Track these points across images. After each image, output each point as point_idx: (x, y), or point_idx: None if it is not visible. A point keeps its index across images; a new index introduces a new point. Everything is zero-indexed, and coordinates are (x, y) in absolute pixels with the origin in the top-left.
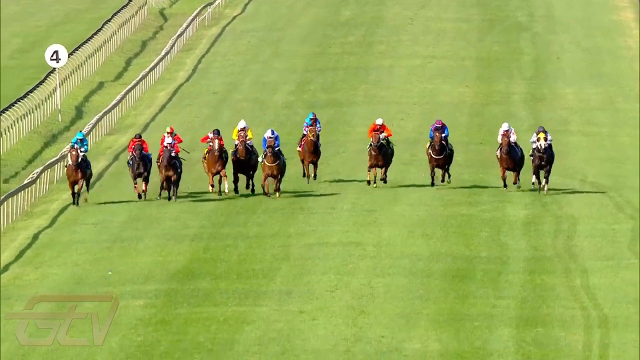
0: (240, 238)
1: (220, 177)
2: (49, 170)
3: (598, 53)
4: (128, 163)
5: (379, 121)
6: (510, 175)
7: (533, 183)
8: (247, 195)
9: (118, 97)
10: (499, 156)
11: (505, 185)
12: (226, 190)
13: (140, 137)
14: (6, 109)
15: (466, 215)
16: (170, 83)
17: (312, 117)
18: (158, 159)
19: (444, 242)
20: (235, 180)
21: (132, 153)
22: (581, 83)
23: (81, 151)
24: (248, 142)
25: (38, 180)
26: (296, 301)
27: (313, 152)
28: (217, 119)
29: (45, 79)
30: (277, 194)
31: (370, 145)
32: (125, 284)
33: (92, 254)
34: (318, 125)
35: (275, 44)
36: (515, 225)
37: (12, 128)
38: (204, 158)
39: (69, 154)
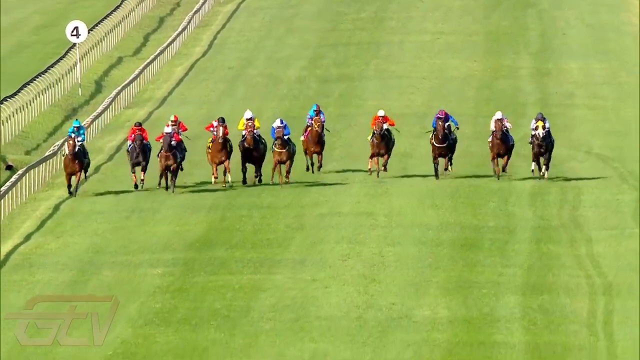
0: (255, 208)
1: (224, 168)
2: None
3: (602, 29)
4: (127, 151)
5: (381, 112)
6: (499, 163)
7: (532, 170)
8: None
9: (136, 72)
10: (490, 142)
11: (495, 174)
12: (229, 181)
13: (140, 125)
14: (28, 83)
15: (474, 186)
16: (187, 58)
17: (315, 109)
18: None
19: (452, 212)
20: (244, 171)
21: (132, 142)
22: (586, 58)
23: (78, 140)
24: (255, 131)
25: (59, 152)
26: (309, 269)
27: (317, 142)
28: (232, 93)
29: (65, 54)
30: (287, 177)
31: (373, 134)
32: (143, 253)
33: (111, 224)
34: (322, 116)
35: (288, 21)
36: (522, 196)
37: (33, 102)
38: (208, 148)
39: (66, 144)
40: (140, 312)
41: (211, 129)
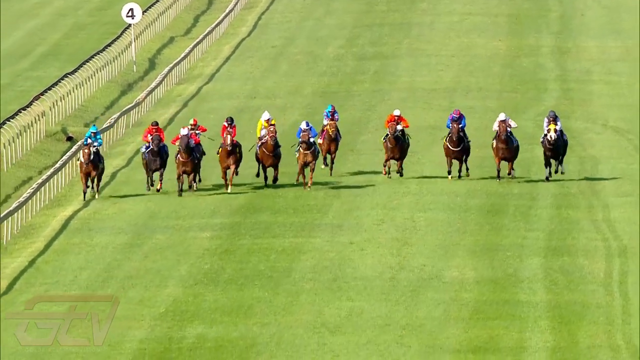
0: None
1: (230, 174)
2: (125, 115)
3: (618, 10)
4: (143, 155)
5: (397, 112)
6: (504, 167)
7: (547, 177)
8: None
9: (187, 50)
10: (494, 146)
11: (499, 177)
12: (229, 189)
13: (157, 124)
14: (86, 61)
15: None
16: (234, 37)
17: (330, 110)
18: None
19: (479, 180)
20: (265, 174)
21: (150, 144)
22: (603, 37)
23: (94, 146)
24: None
25: (115, 124)
26: (346, 233)
27: (331, 141)
28: (275, 70)
29: (121, 34)
30: (311, 179)
31: (387, 136)
32: (193, 218)
33: (163, 191)
34: (337, 116)
35: (327, 3)
36: (543, 165)
37: (92, 78)
38: (218, 153)
39: (81, 152)
40: (190, 273)
41: (224, 133)
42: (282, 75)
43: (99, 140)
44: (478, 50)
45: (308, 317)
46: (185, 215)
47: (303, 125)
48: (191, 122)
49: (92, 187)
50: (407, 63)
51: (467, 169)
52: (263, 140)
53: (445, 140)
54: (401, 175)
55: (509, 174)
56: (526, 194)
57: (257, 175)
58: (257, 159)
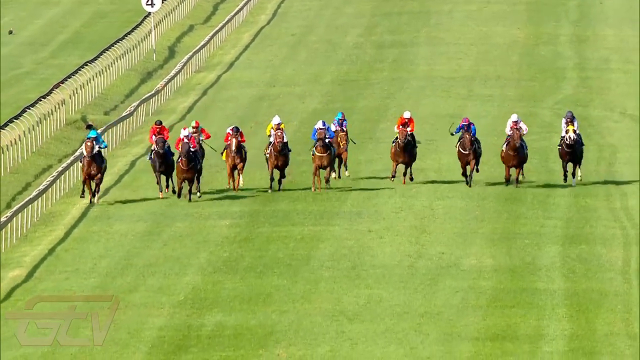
0: None
1: (238, 172)
2: (144, 104)
3: None
4: (150, 158)
5: (407, 114)
6: (513, 171)
7: (564, 178)
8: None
9: (206, 38)
10: (504, 152)
11: (508, 182)
12: (241, 182)
13: (161, 123)
14: (106, 49)
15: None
16: (253, 26)
17: (340, 118)
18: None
19: (497, 168)
20: (271, 177)
21: (155, 147)
22: (621, 26)
23: (98, 147)
24: (285, 138)
25: (135, 113)
26: (365, 221)
27: (340, 148)
28: (295, 58)
29: (141, 22)
30: (327, 182)
31: (397, 139)
32: (212, 206)
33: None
34: (345, 124)
35: None
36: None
37: (112, 66)
38: (222, 154)
39: (83, 145)
40: (210, 261)
41: (229, 138)
42: (301, 63)
43: (104, 144)
44: (496, 39)
45: (326, 305)
46: (204, 203)
47: (319, 125)
48: (193, 124)
49: (92, 196)
50: (425, 51)
51: (478, 170)
52: (270, 145)
53: (457, 145)
54: (412, 179)
55: (517, 180)
56: (544, 182)
57: (271, 186)
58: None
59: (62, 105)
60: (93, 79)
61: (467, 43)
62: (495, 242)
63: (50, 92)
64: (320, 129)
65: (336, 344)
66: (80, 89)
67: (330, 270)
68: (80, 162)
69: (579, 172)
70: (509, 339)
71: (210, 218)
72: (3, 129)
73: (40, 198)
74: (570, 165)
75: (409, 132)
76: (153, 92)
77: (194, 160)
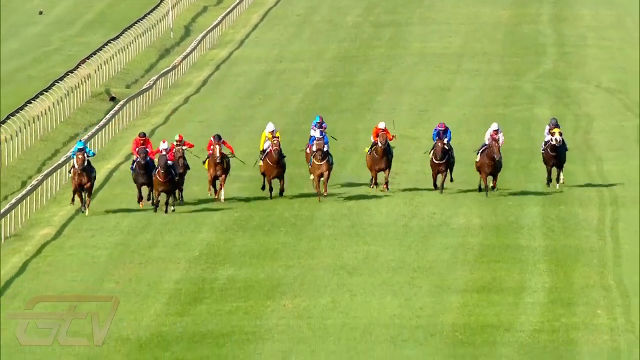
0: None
1: (220, 183)
2: (162, 78)
3: None
4: (131, 169)
5: (382, 125)
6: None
7: (548, 181)
8: (318, 100)
9: (219, 18)
10: (479, 161)
11: (483, 189)
12: (222, 199)
13: (144, 135)
14: (128, 28)
15: (502, 115)
16: (262, 7)
17: (318, 121)
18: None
19: (483, 136)
20: (270, 185)
21: (137, 158)
22: (597, 6)
23: (87, 156)
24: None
25: (154, 86)
26: (363, 184)
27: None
28: (300, 36)
29: (160, 3)
30: (325, 190)
31: (373, 146)
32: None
33: (198, 146)
34: (324, 125)
35: None
36: (543, 123)
37: (133, 43)
38: (204, 163)
39: (74, 158)
40: (222, 220)
41: (210, 148)
42: (305, 41)
43: (91, 152)
44: (483, 19)
45: (328, 260)
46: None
47: (317, 134)
48: (176, 137)
49: (82, 206)
50: (419, 30)
51: (451, 180)
52: (266, 152)
53: (430, 153)
54: (387, 188)
55: (493, 188)
56: (526, 149)
57: (263, 188)
58: (262, 173)
59: (88, 79)
60: (116, 55)
61: (457, 22)
62: (482, 203)
63: (76, 67)
64: (318, 139)
65: (337, 296)
66: (104, 65)
67: (332, 229)
68: (70, 172)
69: (561, 175)
70: (495, 291)
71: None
72: (34, 101)
73: (68, 163)
74: (554, 171)
75: (387, 138)
76: (170, 67)
77: (171, 173)
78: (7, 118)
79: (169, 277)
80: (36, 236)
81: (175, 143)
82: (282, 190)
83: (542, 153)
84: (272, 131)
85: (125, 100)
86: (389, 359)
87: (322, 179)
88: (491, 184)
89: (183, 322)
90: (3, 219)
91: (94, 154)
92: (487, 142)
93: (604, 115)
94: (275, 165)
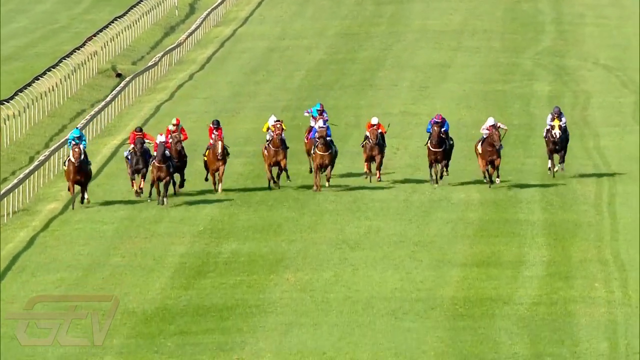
0: None
1: (219, 175)
2: (168, 55)
3: None
4: (126, 158)
5: (374, 120)
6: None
7: (549, 168)
8: (320, 76)
9: None
10: (481, 150)
11: (490, 180)
12: (219, 190)
13: (141, 130)
14: (134, 6)
15: (502, 91)
16: None
17: (319, 109)
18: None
19: (483, 112)
20: (270, 173)
21: (133, 147)
22: None
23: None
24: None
25: (159, 63)
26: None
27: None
28: (302, 14)
29: None
30: (327, 183)
31: (366, 138)
32: (229, 146)
33: (202, 122)
34: (325, 115)
35: None
36: (541, 99)
37: (139, 21)
38: (204, 155)
39: (71, 150)
40: (226, 194)
41: (213, 135)
42: (308, 18)
43: (84, 143)
44: None
45: (330, 234)
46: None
47: (320, 124)
48: (173, 121)
49: (80, 198)
50: (419, 7)
51: (447, 171)
52: (269, 139)
53: (427, 142)
54: (379, 178)
55: (497, 178)
56: (525, 124)
57: (269, 187)
58: (267, 165)
59: (94, 56)
60: (122, 33)
61: (457, 0)
62: (481, 179)
63: (83, 45)
64: (321, 127)
65: (339, 270)
66: (111, 42)
67: (334, 204)
68: (64, 165)
69: (561, 165)
70: (494, 265)
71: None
72: (42, 77)
73: (60, 153)
74: (556, 157)
75: (380, 132)
76: (175, 44)
77: (168, 161)
78: (15, 94)
79: (174, 251)
80: (43, 211)
81: (172, 127)
82: (279, 176)
83: (544, 138)
84: (276, 121)
85: (131, 76)
86: (390, 331)
87: (324, 169)
88: (496, 177)
89: (188, 296)
90: (11, 194)
91: (85, 145)
92: (485, 134)
93: (602, 91)
94: (278, 149)
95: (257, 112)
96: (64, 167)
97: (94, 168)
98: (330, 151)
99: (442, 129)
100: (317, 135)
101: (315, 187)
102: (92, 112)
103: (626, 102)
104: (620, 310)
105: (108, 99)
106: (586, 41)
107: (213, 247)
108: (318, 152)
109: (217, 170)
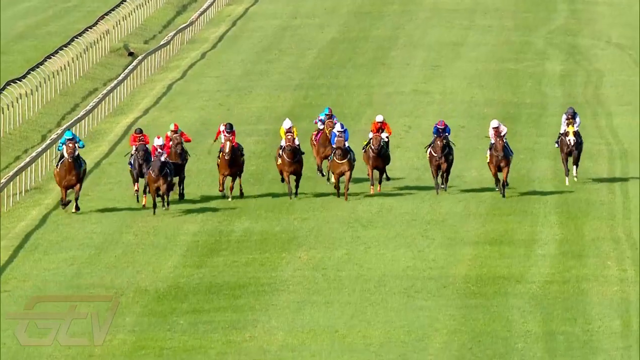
0: (333, 87)
1: (231, 183)
2: (180, 34)
3: None
4: (129, 163)
5: (379, 118)
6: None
7: (566, 173)
8: (337, 53)
9: None
10: (489, 156)
11: (498, 186)
12: (229, 198)
13: (141, 132)
14: None
15: (514, 70)
16: None
17: (327, 113)
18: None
19: (496, 90)
20: (287, 181)
21: (135, 154)
22: None
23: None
24: (295, 141)
25: (172, 41)
26: None
27: (328, 145)
28: None
29: None
30: (346, 190)
31: (368, 144)
32: (241, 124)
33: (215, 101)
34: (335, 120)
35: None
36: (554, 78)
37: (151, 0)
38: (218, 157)
39: (64, 147)
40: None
41: (219, 137)
42: None
43: (81, 143)
44: None
45: (343, 213)
46: (234, 121)
47: (337, 127)
48: (172, 127)
49: (64, 205)
50: None
51: (447, 182)
52: (282, 148)
53: (429, 148)
54: (388, 179)
55: (505, 184)
56: (537, 103)
57: (282, 180)
58: (280, 172)
59: (107, 35)
60: (134, 11)
61: None
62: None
63: (95, 23)
64: (340, 131)
65: (351, 248)
66: (123, 20)
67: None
68: (57, 166)
69: (574, 170)
70: (506, 243)
71: (239, 135)
72: (54, 56)
73: (87, 117)
74: (569, 161)
75: (383, 139)
76: (188, 23)
77: (166, 173)
78: (28, 73)
79: (186, 229)
80: (56, 189)
81: (170, 133)
82: (297, 186)
83: (556, 143)
84: (289, 128)
85: (143, 55)
86: (402, 309)
87: (342, 178)
88: (503, 180)
89: (200, 274)
90: (24, 172)
91: (83, 145)
92: (492, 141)
93: (614, 70)
94: (291, 160)
95: (270, 90)
96: (55, 169)
97: (106, 147)
98: (348, 157)
99: (445, 135)
100: (335, 144)
101: (338, 194)
102: (105, 91)
103: (638, 81)
104: (632, 288)
105: (120, 77)
106: (598, 20)
107: (225, 225)
108: (336, 160)
109: (229, 175)
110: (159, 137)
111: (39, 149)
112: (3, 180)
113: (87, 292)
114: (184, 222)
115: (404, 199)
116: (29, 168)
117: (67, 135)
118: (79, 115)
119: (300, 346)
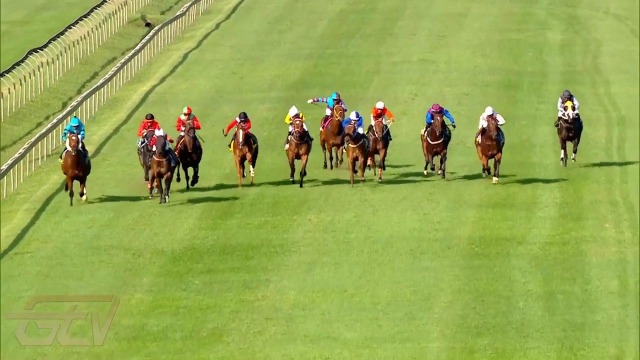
0: (342, 57)
1: (248, 162)
2: (195, 4)
3: None
4: (139, 151)
5: (380, 105)
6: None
7: (562, 159)
8: (348, 15)
9: None
10: (480, 142)
11: (488, 172)
12: (252, 174)
13: (152, 117)
14: None
15: (516, 40)
16: None
17: (335, 98)
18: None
19: (498, 59)
20: (292, 168)
21: (145, 141)
22: None
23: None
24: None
25: (187, 12)
26: (386, 103)
27: (337, 133)
28: None
29: None
30: (362, 175)
31: (371, 128)
32: (254, 92)
33: (229, 69)
34: (343, 105)
35: None
36: (554, 47)
37: None
38: (229, 146)
39: (67, 139)
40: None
41: (237, 128)
42: None
43: (82, 133)
44: None
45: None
46: (246, 90)
47: (352, 116)
48: (185, 110)
49: (71, 195)
50: None
51: (444, 170)
52: (291, 132)
53: (424, 133)
54: (382, 173)
55: (495, 175)
56: (538, 71)
57: (292, 165)
58: (289, 157)
59: (125, 6)
60: None
61: None
62: None
63: None
64: (354, 120)
65: (360, 211)
66: None
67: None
68: (61, 158)
69: (573, 155)
70: (508, 206)
71: (252, 102)
72: (74, 26)
73: (106, 85)
74: (569, 145)
75: (385, 125)
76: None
77: (168, 155)
78: (49, 42)
79: (201, 193)
80: None
81: (184, 117)
82: (302, 173)
83: (555, 126)
84: (296, 114)
85: (160, 25)
86: (408, 270)
87: (357, 162)
88: (494, 169)
89: (214, 236)
90: (45, 137)
91: (84, 136)
92: (484, 125)
93: (612, 40)
94: (299, 142)
95: (282, 59)
96: (60, 160)
97: (124, 113)
98: (361, 142)
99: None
100: (346, 130)
101: (352, 184)
102: (123, 60)
103: (636, 50)
104: (629, 250)
105: (138, 47)
106: None
107: (239, 189)
108: (350, 145)
109: (245, 158)
110: (159, 129)
111: (60, 116)
112: (26, 146)
113: (106, 253)
114: (199, 185)
115: (410, 163)
116: (50, 134)
117: (73, 122)
118: (98, 84)
119: (311, 305)
